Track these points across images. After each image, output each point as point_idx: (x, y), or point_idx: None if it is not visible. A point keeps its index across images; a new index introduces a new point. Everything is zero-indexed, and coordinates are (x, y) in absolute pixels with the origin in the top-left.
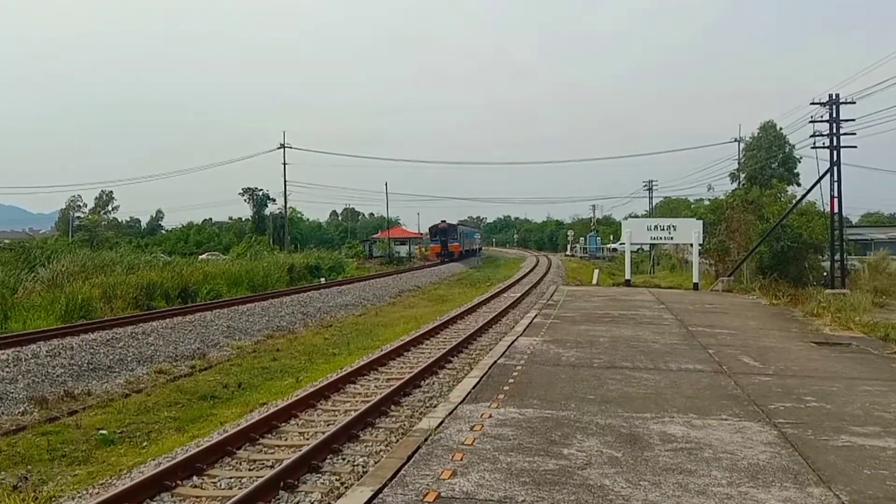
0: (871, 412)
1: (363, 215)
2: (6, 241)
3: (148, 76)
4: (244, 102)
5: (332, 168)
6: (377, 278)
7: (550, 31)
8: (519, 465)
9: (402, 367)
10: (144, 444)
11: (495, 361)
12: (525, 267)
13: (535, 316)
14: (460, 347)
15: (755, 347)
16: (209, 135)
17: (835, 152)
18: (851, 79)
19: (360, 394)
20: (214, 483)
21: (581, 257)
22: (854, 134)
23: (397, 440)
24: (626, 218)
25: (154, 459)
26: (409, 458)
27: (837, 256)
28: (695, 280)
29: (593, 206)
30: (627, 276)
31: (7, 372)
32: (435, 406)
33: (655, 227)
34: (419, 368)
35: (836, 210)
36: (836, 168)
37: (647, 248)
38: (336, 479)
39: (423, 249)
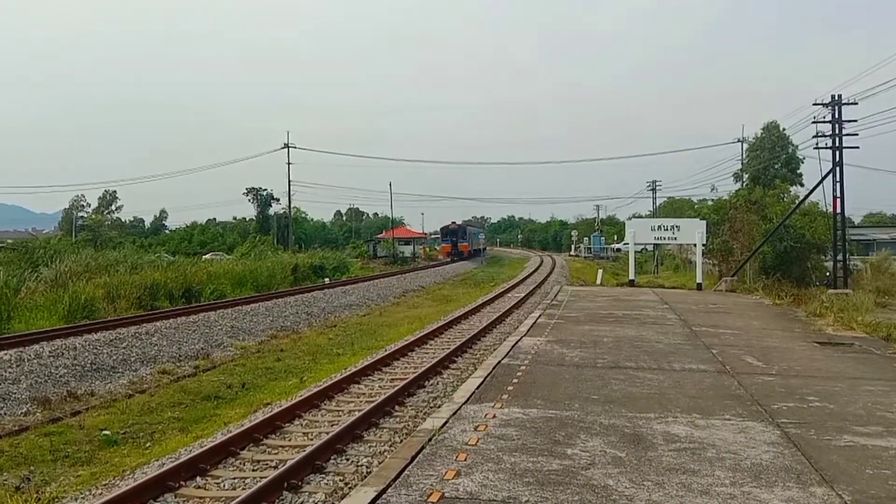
0: (874, 412)
1: (367, 215)
2: (9, 240)
3: (148, 76)
4: (244, 102)
5: (335, 168)
6: (381, 278)
7: (550, 31)
8: (523, 466)
9: (406, 368)
10: (148, 444)
11: (499, 361)
12: (529, 267)
13: (540, 316)
14: (464, 347)
15: (758, 347)
16: (209, 135)
17: (837, 153)
18: (854, 79)
19: (364, 394)
20: (218, 484)
21: (585, 257)
22: (856, 135)
23: (401, 440)
24: (629, 218)
25: (157, 460)
26: (413, 458)
27: (840, 257)
28: (698, 280)
29: (597, 206)
30: (631, 276)
31: (10, 372)
32: (439, 406)
33: (659, 227)
34: (423, 369)
35: (838, 210)
36: (838, 168)
37: (650, 248)
38: (340, 480)
39: (427, 249)
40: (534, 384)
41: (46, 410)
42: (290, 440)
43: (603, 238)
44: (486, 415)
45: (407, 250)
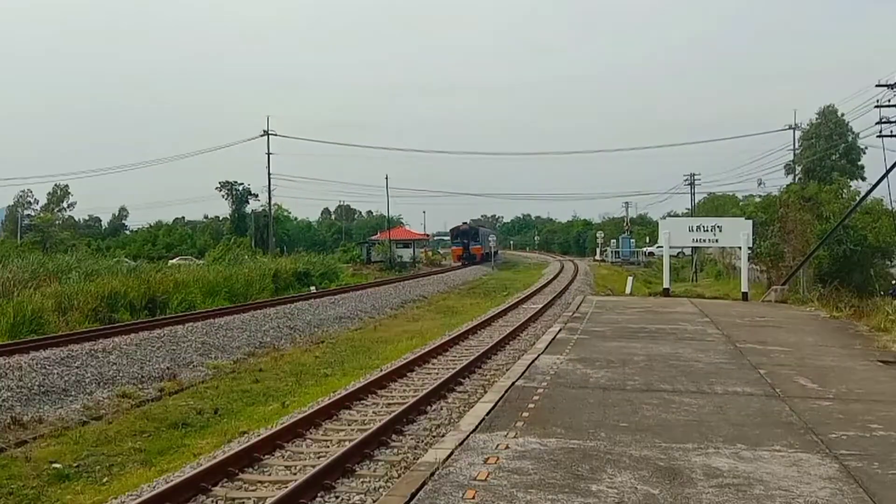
0: None
1: (360, 213)
2: None
3: (118, 49)
4: (235, 83)
5: (323, 158)
6: (376, 287)
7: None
8: None
9: (405, 391)
10: (105, 480)
11: (513, 383)
12: (548, 273)
13: (560, 330)
14: (472, 367)
15: (813, 367)
16: (192, 121)
17: None
18: None
19: (356, 421)
20: None
21: (612, 262)
22: None
23: (399, 475)
24: (664, 217)
25: (116, 498)
26: (413, 495)
27: None
28: (743, 289)
29: (626, 203)
30: (666, 285)
31: None
32: (443, 435)
33: (698, 227)
34: (425, 392)
35: None
36: None
37: (688, 251)
38: None
39: (429, 253)
40: (553, 410)
41: None
42: (269, 475)
43: (633, 240)
44: (497, 445)
45: (406, 254)
